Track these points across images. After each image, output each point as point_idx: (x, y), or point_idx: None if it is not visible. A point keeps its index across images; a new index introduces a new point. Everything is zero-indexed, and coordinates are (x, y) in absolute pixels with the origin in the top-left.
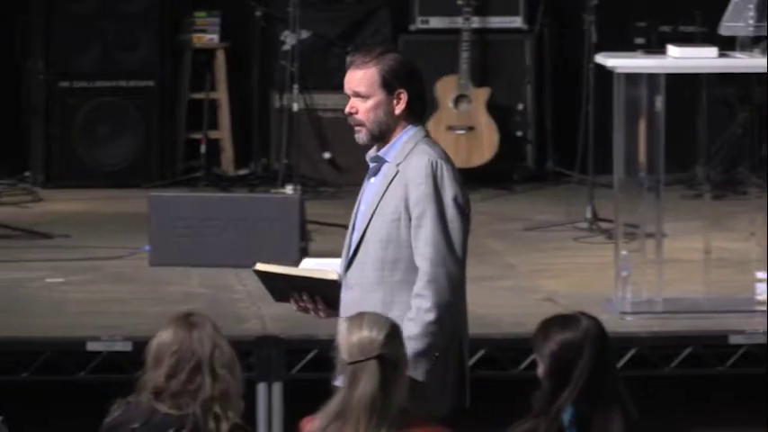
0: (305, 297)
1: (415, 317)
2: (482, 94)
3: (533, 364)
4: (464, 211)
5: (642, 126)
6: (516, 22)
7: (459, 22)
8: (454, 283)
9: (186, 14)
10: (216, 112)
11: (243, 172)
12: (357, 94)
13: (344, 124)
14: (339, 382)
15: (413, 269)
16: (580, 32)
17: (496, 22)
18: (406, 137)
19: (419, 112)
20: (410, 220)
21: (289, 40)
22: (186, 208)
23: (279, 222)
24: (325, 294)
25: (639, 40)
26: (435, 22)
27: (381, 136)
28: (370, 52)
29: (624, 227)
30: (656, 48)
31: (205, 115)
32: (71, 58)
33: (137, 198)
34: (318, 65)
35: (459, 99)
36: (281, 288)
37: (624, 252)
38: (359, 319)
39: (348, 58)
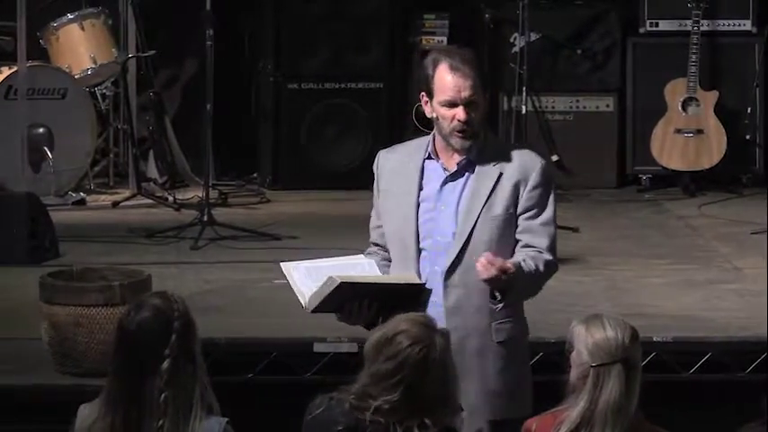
0: (365, 305)
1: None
2: (711, 98)
3: (760, 368)
4: None
5: None
6: (746, 24)
7: (688, 24)
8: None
9: (415, 17)
10: None
11: None
12: (471, 102)
13: (572, 127)
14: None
15: None
16: None
17: (726, 24)
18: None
19: None
20: (517, 218)
21: (518, 42)
22: None
23: None
24: (398, 299)
25: None
26: (664, 25)
27: (477, 138)
28: (463, 56)
29: None
30: None
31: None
32: (300, 59)
33: (365, 200)
34: (547, 67)
35: (687, 102)
36: (342, 297)
37: None
38: (598, 319)
39: (448, 63)
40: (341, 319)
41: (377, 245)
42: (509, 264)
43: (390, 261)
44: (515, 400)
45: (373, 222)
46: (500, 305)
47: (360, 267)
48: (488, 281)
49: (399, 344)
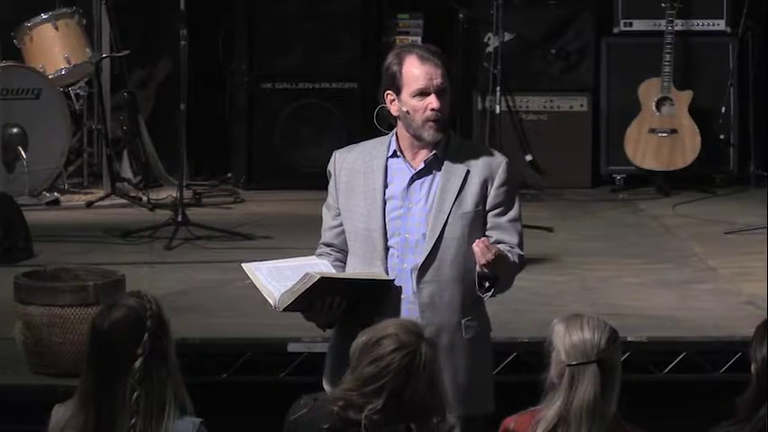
0: (336, 301)
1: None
2: (685, 97)
3: (734, 367)
4: None
5: None
6: (720, 24)
7: (662, 24)
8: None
9: (389, 17)
10: None
11: None
12: (442, 91)
13: (546, 126)
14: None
15: None
16: None
17: (700, 24)
18: (450, 134)
19: None
20: (486, 215)
21: (492, 42)
22: None
23: None
24: (366, 296)
25: None
26: (638, 25)
27: (445, 132)
28: (429, 48)
29: None
30: None
31: None
32: (274, 59)
33: None
34: (521, 67)
35: (661, 102)
36: (315, 294)
37: None
38: (578, 320)
39: (416, 55)
40: (308, 318)
41: (329, 245)
42: (501, 249)
43: (343, 262)
44: (482, 397)
45: (327, 223)
46: (488, 294)
47: (317, 268)
48: (485, 266)
49: (384, 348)
